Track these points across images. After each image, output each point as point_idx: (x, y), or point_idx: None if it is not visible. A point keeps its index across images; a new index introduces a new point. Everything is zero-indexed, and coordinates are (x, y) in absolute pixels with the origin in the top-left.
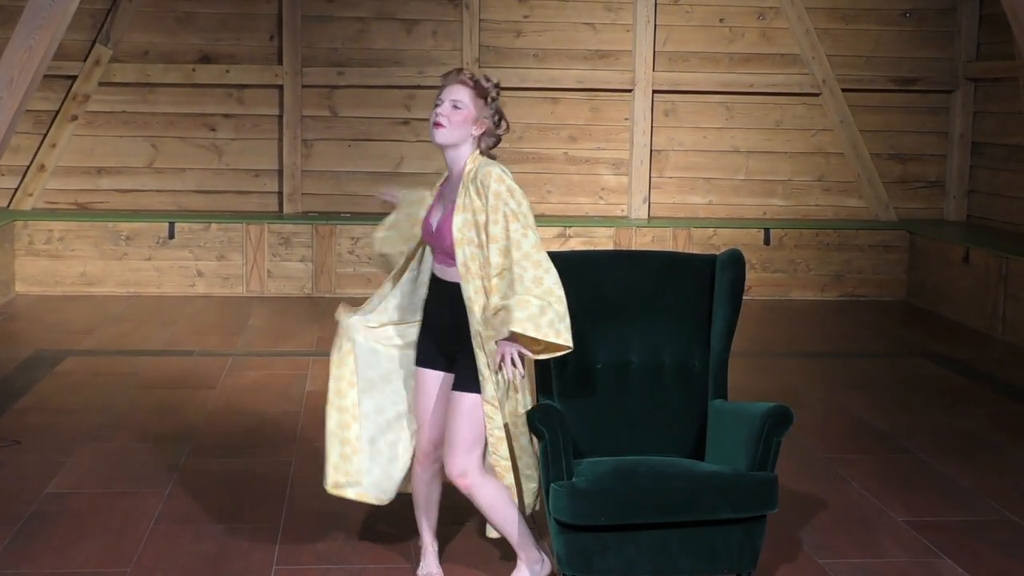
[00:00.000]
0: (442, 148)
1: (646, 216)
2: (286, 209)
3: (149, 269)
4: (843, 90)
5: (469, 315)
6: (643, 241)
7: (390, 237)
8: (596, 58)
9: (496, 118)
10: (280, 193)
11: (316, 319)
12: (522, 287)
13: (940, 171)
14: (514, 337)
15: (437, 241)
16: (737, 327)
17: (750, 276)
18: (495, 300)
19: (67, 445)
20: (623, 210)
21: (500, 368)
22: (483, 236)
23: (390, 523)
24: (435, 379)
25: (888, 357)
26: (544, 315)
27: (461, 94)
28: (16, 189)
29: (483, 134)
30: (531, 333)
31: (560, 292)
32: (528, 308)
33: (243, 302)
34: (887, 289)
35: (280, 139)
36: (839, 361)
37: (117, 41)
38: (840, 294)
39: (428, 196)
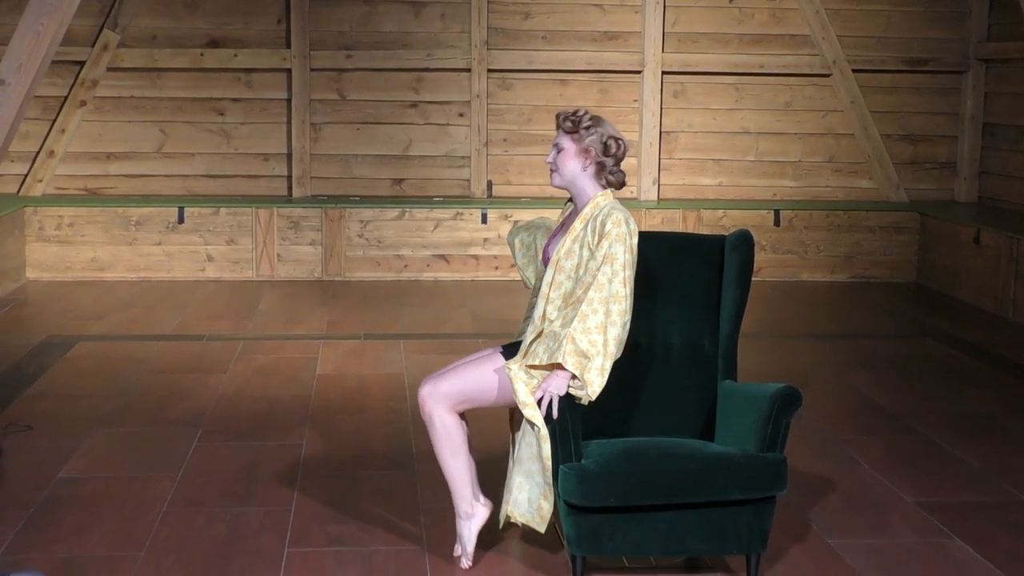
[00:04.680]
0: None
1: (656, 198)
2: (295, 193)
3: (159, 254)
4: (853, 71)
5: (531, 325)
6: (653, 223)
7: (525, 239)
8: (605, 39)
9: (603, 140)
10: (289, 177)
11: (326, 302)
12: (582, 326)
13: (951, 152)
14: (557, 365)
15: (547, 263)
16: (747, 308)
17: (760, 257)
18: (553, 320)
19: (79, 430)
20: (632, 192)
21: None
22: (580, 271)
23: (401, 506)
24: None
25: (898, 338)
26: (592, 360)
27: (559, 137)
28: (26, 175)
29: (600, 165)
30: (573, 369)
31: (615, 349)
32: (578, 344)
33: (253, 286)
34: (897, 270)
35: (289, 123)
36: (849, 342)
37: (125, 26)
38: (850, 275)
39: (553, 224)
